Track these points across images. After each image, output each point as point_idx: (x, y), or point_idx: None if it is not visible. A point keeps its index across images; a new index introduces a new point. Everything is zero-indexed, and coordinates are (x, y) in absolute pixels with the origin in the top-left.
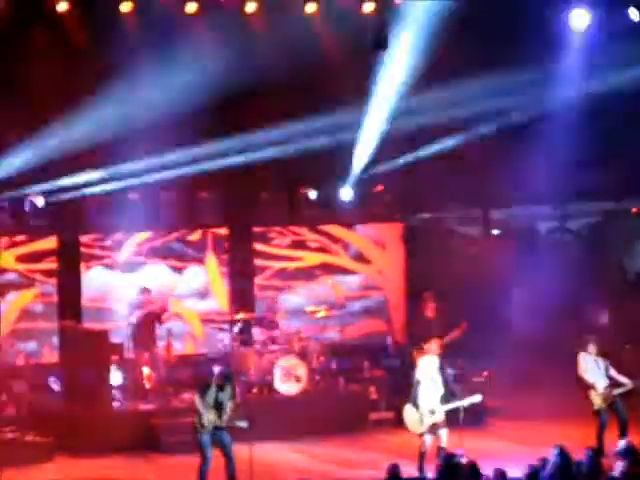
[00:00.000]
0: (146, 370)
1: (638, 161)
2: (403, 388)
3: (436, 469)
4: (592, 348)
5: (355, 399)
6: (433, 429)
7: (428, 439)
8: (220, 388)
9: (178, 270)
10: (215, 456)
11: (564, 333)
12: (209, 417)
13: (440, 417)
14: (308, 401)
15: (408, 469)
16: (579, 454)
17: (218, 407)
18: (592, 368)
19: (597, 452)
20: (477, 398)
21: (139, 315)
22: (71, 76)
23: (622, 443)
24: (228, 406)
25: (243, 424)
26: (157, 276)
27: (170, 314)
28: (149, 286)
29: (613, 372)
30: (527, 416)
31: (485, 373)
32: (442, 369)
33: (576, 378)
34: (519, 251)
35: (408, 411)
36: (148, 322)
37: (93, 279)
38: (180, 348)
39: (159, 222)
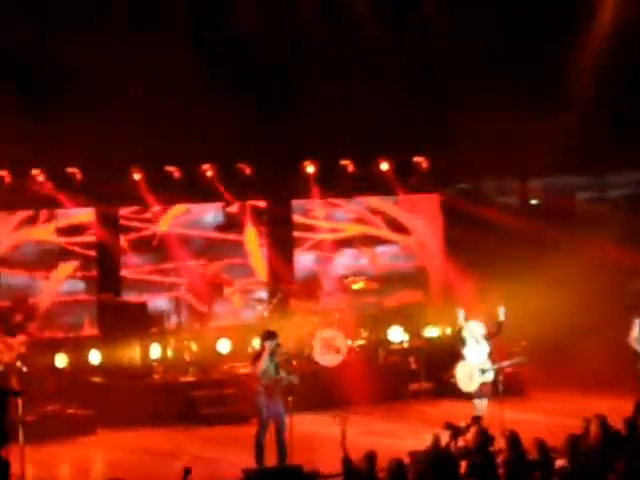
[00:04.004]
0: (186, 342)
1: None
2: (442, 358)
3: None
4: None
5: (395, 370)
6: (482, 391)
7: (478, 403)
8: (271, 355)
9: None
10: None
11: (603, 303)
12: (269, 383)
13: (489, 377)
14: (348, 372)
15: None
16: (618, 424)
17: (277, 373)
18: None
19: (633, 420)
20: (523, 359)
21: (200, 286)
22: None
23: None
24: (282, 371)
25: (294, 379)
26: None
27: (234, 290)
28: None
29: None
30: (565, 386)
31: (523, 342)
32: (487, 336)
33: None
34: (557, 221)
35: (460, 368)
36: (211, 294)
37: None
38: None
39: (198, 194)
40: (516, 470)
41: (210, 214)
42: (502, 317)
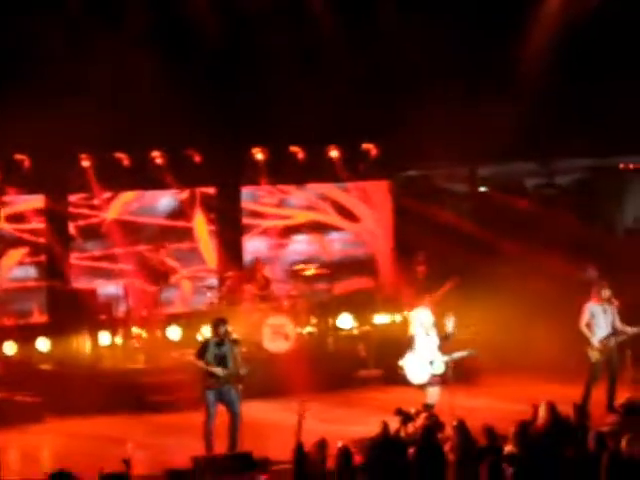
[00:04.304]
0: (135, 329)
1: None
2: (392, 345)
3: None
4: (605, 293)
5: (344, 357)
6: (433, 382)
7: (429, 391)
8: (218, 344)
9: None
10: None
11: (552, 288)
12: (213, 374)
13: (439, 369)
14: (297, 359)
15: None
16: (567, 410)
17: (219, 363)
18: (599, 317)
19: (582, 406)
20: (473, 352)
21: (145, 272)
22: None
23: None
24: (231, 360)
25: (242, 370)
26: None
27: (181, 276)
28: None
29: (617, 320)
30: (515, 373)
31: (474, 328)
32: (435, 323)
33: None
34: (506, 207)
35: (408, 361)
36: (155, 281)
37: None
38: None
39: (147, 181)
40: (464, 457)
41: (163, 201)
42: (451, 329)
